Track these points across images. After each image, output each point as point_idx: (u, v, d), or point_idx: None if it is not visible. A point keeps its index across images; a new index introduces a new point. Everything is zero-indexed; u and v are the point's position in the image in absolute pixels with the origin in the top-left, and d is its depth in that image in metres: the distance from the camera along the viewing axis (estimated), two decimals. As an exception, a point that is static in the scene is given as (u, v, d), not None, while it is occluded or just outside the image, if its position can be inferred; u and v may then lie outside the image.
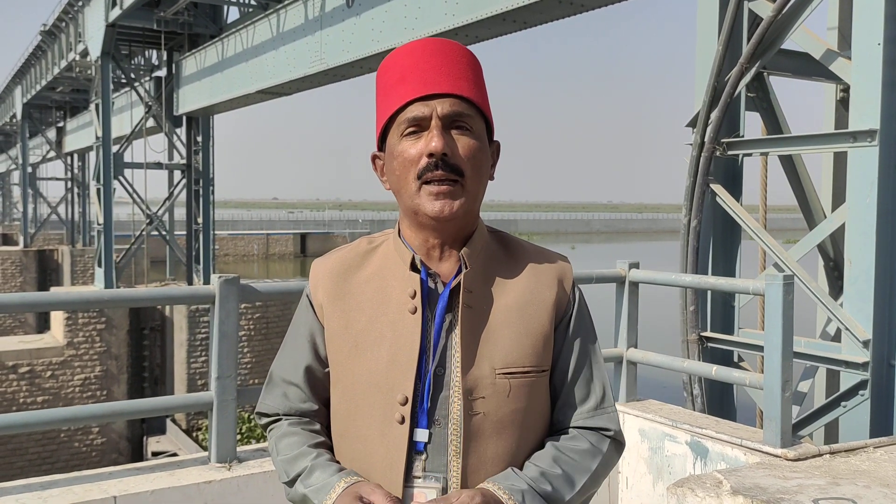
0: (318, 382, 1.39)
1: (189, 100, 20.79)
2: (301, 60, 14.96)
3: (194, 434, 19.27)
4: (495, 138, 1.38)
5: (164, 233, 22.25)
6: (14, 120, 38.28)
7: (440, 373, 1.28)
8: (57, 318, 20.01)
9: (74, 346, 19.40)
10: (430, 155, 1.25)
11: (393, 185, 1.33)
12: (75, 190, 37.79)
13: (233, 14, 20.80)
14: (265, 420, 1.45)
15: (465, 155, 1.27)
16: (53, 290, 22.24)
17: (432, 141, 1.25)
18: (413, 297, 1.30)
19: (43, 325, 35.24)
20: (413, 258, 1.32)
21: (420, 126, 1.27)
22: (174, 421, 19.87)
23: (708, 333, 5.38)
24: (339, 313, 1.35)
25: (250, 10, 19.06)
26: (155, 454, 18.08)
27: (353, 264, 1.38)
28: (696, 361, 5.04)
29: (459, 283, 1.30)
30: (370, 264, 1.38)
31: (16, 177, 47.02)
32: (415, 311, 1.29)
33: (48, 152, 38.80)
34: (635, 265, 4.28)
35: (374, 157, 1.39)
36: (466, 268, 1.31)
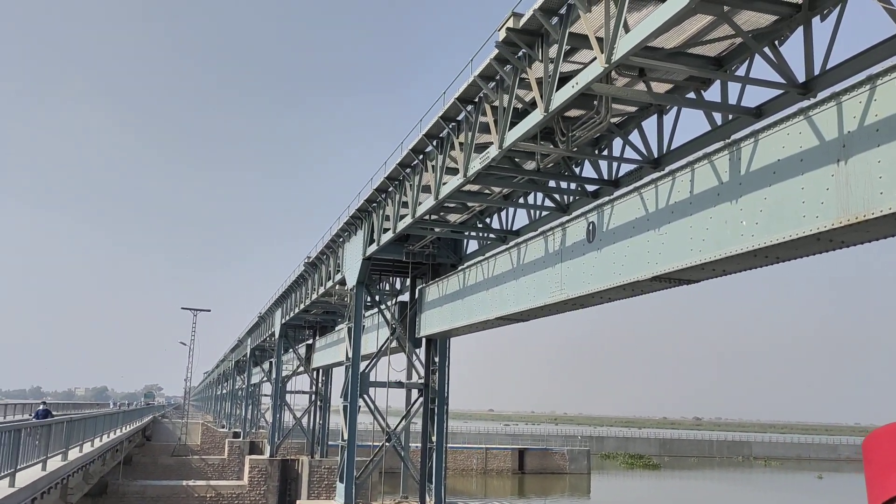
0: None
1: (430, 323, 22.32)
2: (541, 290, 15.68)
3: None
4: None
5: (399, 449, 23.08)
6: (272, 338, 43.04)
7: None
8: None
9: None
10: None
11: None
12: (318, 403, 40.83)
13: (471, 244, 22.68)
14: None
15: None
16: None
17: None
18: None
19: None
20: None
21: None
22: None
23: None
24: None
25: (488, 242, 20.69)
26: None
27: None
28: None
29: None
30: None
31: (265, 388, 51.93)
32: None
33: (298, 367, 42.73)
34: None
35: None
36: None
